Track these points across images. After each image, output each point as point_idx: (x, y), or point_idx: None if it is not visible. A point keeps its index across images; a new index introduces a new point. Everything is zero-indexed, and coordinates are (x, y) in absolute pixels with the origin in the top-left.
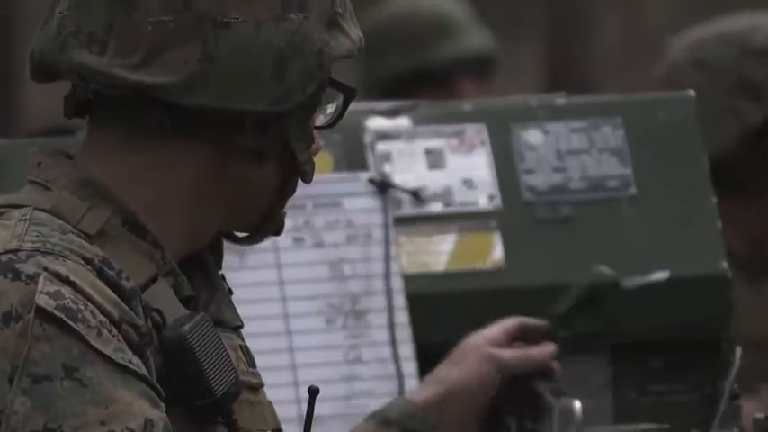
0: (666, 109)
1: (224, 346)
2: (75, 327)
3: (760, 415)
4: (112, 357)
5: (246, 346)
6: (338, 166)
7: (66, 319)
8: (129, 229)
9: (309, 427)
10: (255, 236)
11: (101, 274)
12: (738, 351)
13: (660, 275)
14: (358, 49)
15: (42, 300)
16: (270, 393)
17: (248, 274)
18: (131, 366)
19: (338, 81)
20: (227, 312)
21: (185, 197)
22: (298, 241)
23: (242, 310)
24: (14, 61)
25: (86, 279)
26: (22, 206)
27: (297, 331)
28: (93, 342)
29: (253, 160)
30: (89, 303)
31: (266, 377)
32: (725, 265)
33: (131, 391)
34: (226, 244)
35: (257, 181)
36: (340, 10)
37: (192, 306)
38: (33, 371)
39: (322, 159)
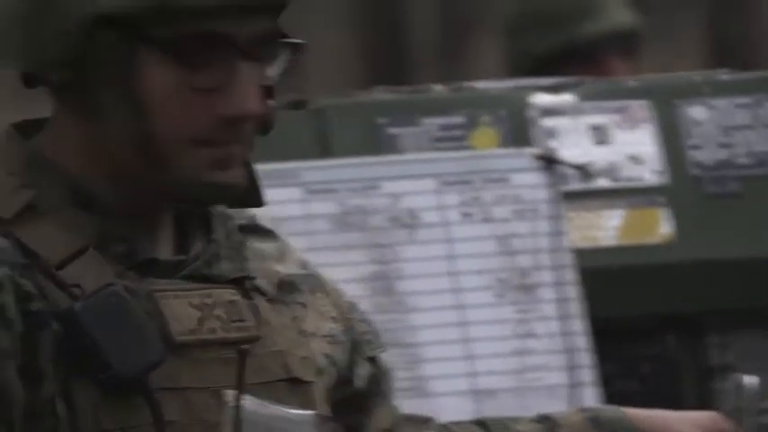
0: None
1: (140, 318)
2: None
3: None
4: None
5: (240, 301)
6: (504, 142)
7: None
8: (74, 200)
9: None
10: (179, 198)
11: None
12: None
13: None
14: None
15: None
16: (441, 367)
17: (418, 248)
18: None
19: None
20: (222, 266)
21: (82, 156)
22: (467, 216)
23: (411, 285)
24: None
25: None
26: None
27: (467, 305)
28: None
29: (90, 116)
30: None
31: (437, 351)
32: None
33: None
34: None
35: (108, 137)
36: None
37: (163, 268)
38: None
39: (487, 135)
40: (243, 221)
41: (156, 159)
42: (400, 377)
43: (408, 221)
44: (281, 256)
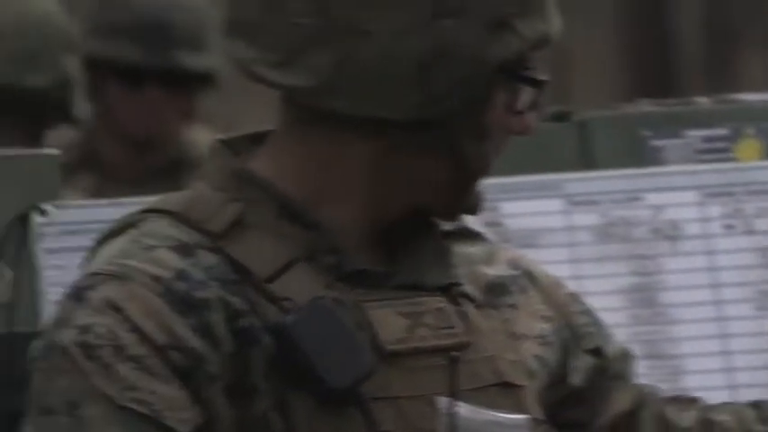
0: None
1: (350, 329)
2: (85, 364)
3: None
4: (116, 398)
5: (448, 307)
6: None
7: (78, 356)
8: (283, 214)
9: None
10: (447, 216)
11: (168, 291)
12: None
13: None
14: (536, 46)
15: (68, 334)
16: (701, 379)
17: (679, 260)
18: (137, 408)
19: (521, 75)
20: (430, 274)
21: (352, 186)
22: (729, 228)
23: (673, 297)
24: None
25: (142, 303)
26: (157, 211)
27: (728, 318)
28: (97, 381)
29: (417, 154)
30: (127, 334)
31: (698, 363)
32: None
33: None
34: None
35: (426, 173)
36: (512, 9)
37: (370, 278)
38: (43, 402)
39: (752, 147)
40: (449, 227)
41: (469, 183)
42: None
43: (670, 233)
44: (490, 257)
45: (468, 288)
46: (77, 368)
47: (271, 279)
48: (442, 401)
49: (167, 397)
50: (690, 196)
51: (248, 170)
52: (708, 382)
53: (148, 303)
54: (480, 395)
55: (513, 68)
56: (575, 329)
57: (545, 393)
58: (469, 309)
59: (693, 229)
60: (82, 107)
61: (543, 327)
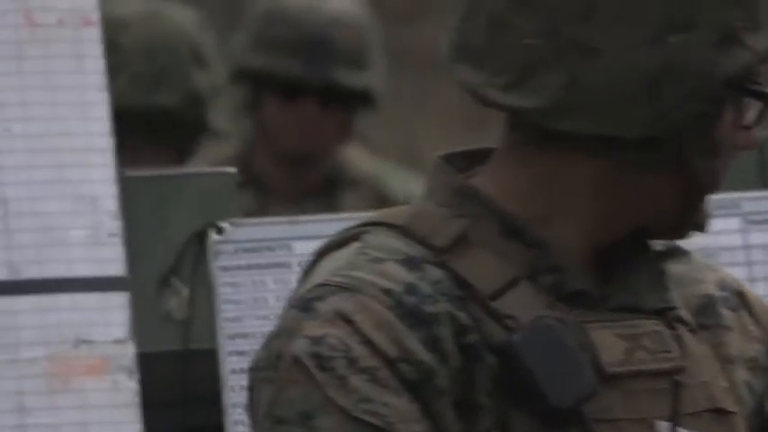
0: None
1: (573, 350)
2: (318, 375)
3: None
4: (350, 409)
5: (665, 331)
6: None
7: (311, 367)
8: (506, 232)
9: None
10: (673, 234)
11: (399, 304)
12: None
13: None
14: (764, 59)
15: (299, 344)
16: None
17: None
18: (370, 419)
19: (750, 89)
20: (647, 297)
21: (578, 206)
22: None
23: None
24: None
25: (372, 316)
26: (381, 224)
27: None
28: (331, 392)
29: (645, 172)
30: (359, 346)
31: None
32: None
33: None
34: None
35: (655, 190)
36: (741, 23)
37: (589, 299)
38: (275, 412)
39: None
40: (660, 246)
41: (698, 200)
42: None
43: None
44: (700, 278)
45: (683, 312)
46: (311, 379)
47: (494, 296)
48: (663, 426)
49: (400, 410)
50: None
51: (472, 186)
52: None
53: (379, 316)
54: (696, 421)
55: (741, 82)
56: None
57: (749, 420)
58: (684, 333)
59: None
60: (222, 121)
61: (755, 348)
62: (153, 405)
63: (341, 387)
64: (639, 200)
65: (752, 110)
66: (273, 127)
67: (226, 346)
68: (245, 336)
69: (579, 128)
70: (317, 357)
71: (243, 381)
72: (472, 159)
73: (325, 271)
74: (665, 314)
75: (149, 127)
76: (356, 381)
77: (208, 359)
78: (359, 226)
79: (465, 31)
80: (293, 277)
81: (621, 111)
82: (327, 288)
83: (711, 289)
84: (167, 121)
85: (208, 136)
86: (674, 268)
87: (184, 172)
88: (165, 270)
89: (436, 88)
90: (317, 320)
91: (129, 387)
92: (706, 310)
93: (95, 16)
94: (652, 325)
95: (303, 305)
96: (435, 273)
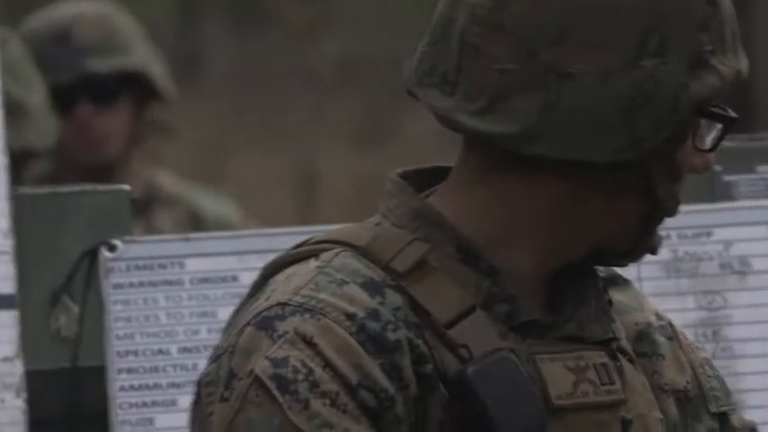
0: None
1: (525, 383)
2: (280, 398)
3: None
4: None
5: (609, 363)
6: None
7: (273, 389)
8: (462, 258)
9: None
10: (628, 258)
11: (361, 329)
12: None
13: None
14: (732, 83)
15: (260, 365)
16: (765, 414)
17: (748, 295)
18: None
19: (714, 112)
20: (592, 328)
21: (538, 228)
22: None
23: (741, 331)
24: None
25: (334, 340)
26: (339, 243)
27: None
28: (293, 416)
29: (610, 195)
30: (320, 369)
31: (764, 398)
32: None
33: None
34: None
35: (617, 213)
36: (710, 47)
37: (540, 329)
38: None
39: None
40: (603, 274)
41: (656, 224)
42: None
43: (739, 268)
44: (639, 306)
45: (625, 343)
46: (272, 401)
47: (450, 324)
48: None
49: None
50: (760, 231)
51: (432, 209)
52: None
53: (341, 340)
54: None
55: (708, 106)
56: (704, 391)
57: None
58: (625, 364)
59: (762, 264)
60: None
61: (687, 379)
62: (41, 423)
63: (303, 411)
64: (600, 223)
65: (711, 133)
66: (64, 142)
67: (115, 364)
68: (135, 353)
69: (552, 153)
70: (278, 379)
71: (132, 398)
72: (429, 178)
73: (282, 288)
74: (608, 345)
75: None
76: (318, 405)
77: (97, 377)
78: (315, 243)
79: (433, 56)
80: (185, 294)
81: (595, 136)
82: (288, 308)
83: (650, 317)
84: None
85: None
86: (616, 296)
87: (77, 190)
88: (57, 287)
89: (333, 104)
90: (279, 341)
91: (16, 405)
92: (643, 338)
93: None
94: (597, 357)
95: (262, 323)
96: (395, 298)
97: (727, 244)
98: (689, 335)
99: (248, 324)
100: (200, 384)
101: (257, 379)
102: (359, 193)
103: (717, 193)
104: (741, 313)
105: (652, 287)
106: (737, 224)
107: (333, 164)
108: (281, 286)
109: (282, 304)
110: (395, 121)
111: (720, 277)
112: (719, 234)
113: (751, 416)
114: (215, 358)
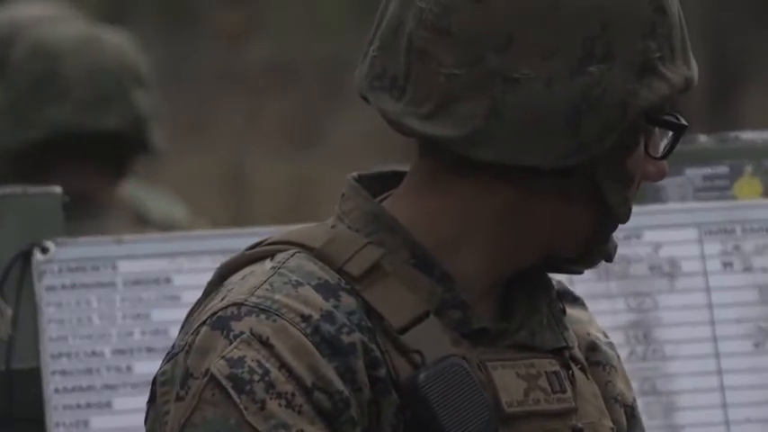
0: None
1: (477, 390)
2: (237, 398)
3: None
4: None
5: (561, 371)
6: (767, 192)
7: (229, 389)
8: (416, 263)
9: None
10: (581, 264)
11: (316, 331)
12: None
13: None
14: (681, 90)
15: (216, 365)
16: (697, 415)
17: (678, 297)
18: None
19: (664, 120)
20: (544, 336)
21: (489, 233)
22: (727, 266)
23: (671, 333)
24: None
25: (290, 341)
26: (294, 244)
27: (725, 354)
28: (249, 416)
29: (558, 201)
30: (276, 370)
31: (694, 399)
32: None
33: None
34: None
35: (567, 219)
36: (658, 54)
37: (491, 336)
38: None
39: (751, 185)
40: (556, 287)
41: (609, 230)
42: (655, 425)
43: (669, 270)
44: (589, 320)
45: (577, 352)
46: (228, 400)
47: (403, 330)
48: None
49: None
50: (689, 234)
51: (386, 213)
52: (703, 418)
53: (296, 342)
54: None
55: (658, 113)
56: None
57: None
58: (577, 372)
59: (692, 266)
60: (161, 140)
61: (633, 396)
62: None
63: (259, 411)
64: (549, 228)
65: (663, 141)
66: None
67: (49, 366)
68: (68, 355)
69: (499, 157)
70: (235, 379)
71: (66, 400)
72: (384, 182)
73: (238, 288)
74: (560, 353)
75: (94, 149)
76: (274, 406)
77: (31, 379)
78: (269, 243)
79: (383, 60)
80: (118, 296)
81: (541, 141)
82: (244, 308)
83: (599, 335)
84: (111, 143)
85: (147, 155)
86: (568, 309)
87: (9, 192)
88: None
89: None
90: (234, 341)
91: None
92: (595, 348)
93: None
94: (548, 365)
95: (217, 323)
96: (349, 301)
97: (657, 246)
98: (620, 337)
99: (204, 324)
100: (155, 383)
101: (213, 378)
102: (290, 194)
103: (646, 195)
104: (671, 315)
105: (583, 289)
106: (667, 226)
107: (263, 165)
108: (237, 287)
109: (238, 304)
110: (325, 123)
111: (650, 279)
112: (649, 236)
113: (681, 417)
114: (170, 357)
